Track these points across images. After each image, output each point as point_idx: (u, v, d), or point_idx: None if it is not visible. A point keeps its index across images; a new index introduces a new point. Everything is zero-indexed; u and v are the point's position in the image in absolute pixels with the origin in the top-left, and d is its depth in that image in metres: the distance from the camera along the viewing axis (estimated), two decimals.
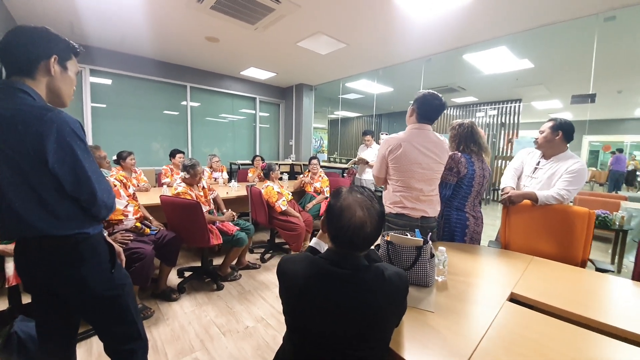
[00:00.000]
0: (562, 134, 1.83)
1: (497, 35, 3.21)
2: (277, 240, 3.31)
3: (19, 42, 0.85)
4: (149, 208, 2.50)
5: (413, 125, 1.65)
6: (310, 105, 6.08)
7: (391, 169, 1.65)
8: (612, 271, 1.47)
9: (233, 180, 3.76)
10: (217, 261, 2.88)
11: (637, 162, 8.80)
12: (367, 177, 3.98)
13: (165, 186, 3.11)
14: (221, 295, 2.34)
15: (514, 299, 1.14)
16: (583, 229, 1.75)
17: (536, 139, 1.94)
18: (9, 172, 0.82)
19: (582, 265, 1.68)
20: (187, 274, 2.56)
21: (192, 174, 2.38)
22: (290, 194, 3.15)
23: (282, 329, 1.90)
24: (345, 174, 4.86)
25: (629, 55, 3.52)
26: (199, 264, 2.74)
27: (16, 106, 0.81)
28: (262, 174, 4.39)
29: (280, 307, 2.13)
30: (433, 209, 1.68)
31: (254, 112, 6.02)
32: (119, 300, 0.98)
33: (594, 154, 11.24)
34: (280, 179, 3.71)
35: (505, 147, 7.11)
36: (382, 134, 2.05)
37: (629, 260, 3.18)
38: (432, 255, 1.20)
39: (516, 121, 6.96)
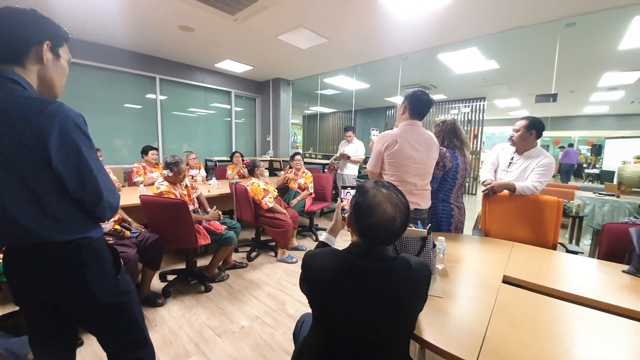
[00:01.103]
0: (535, 132, 2.02)
1: (470, 36, 3.42)
2: (262, 238, 3.26)
3: (7, 26, 0.75)
4: (125, 209, 2.34)
5: (406, 122, 1.72)
6: (288, 100, 6.02)
7: (386, 164, 1.71)
8: (582, 252, 1.66)
9: (213, 178, 3.62)
10: (201, 262, 2.79)
11: (583, 157, 9.87)
12: (349, 172, 4.05)
13: (141, 186, 2.92)
14: (210, 296, 2.27)
15: (506, 280, 1.25)
16: (553, 215, 1.96)
17: (511, 136, 2.12)
18: (2, 173, 0.73)
19: (553, 247, 1.88)
20: (170, 277, 2.45)
21: (175, 171, 2.26)
22: (276, 190, 3.12)
23: (279, 326, 1.91)
24: (325, 170, 4.90)
25: (585, 58, 3.93)
26: (182, 267, 2.66)
27: (8, 98, 0.72)
28: (242, 171, 4.29)
29: (274, 305, 2.15)
30: (425, 202, 1.77)
31: (229, 106, 5.83)
32: (125, 306, 0.93)
33: (544, 148, 12.47)
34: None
35: (472, 142, 7.61)
36: (372, 129, 2.10)
37: (584, 244, 3.60)
38: (434, 245, 1.28)
39: (481, 118, 7.47)
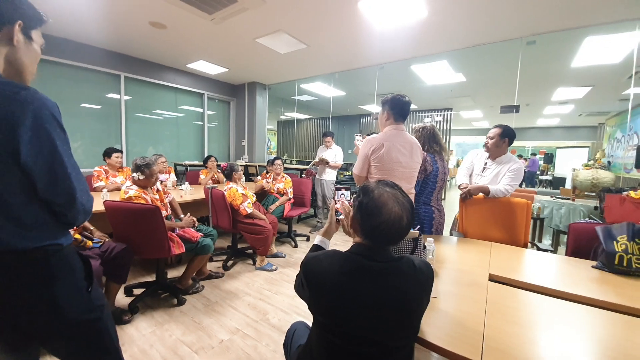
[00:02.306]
0: (508, 140, 2.16)
1: (441, 49, 3.63)
2: (240, 246, 3.14)
3: None
4: None
5: (391, 127, 1.75)
6: (264, 104, 5.95)
7: (373, 167, 1.72)
8: (552, 250, 1.79)
9: (186, 183, 3.43)
10: (172, 273, 2.62)
11: (545, 165, 10.82)
12: (327, 177, 4.05)
13: (104, 191, 2.67)
14: (184, 310, 2.11)
15: (492, 278, 1.30)
16: (523, 216, 2.10)
17: (486, 143, 2.25)
18: None
19: (524, 246, 2.01)
20: (138, 291, 2.25)
21: (147, 174, 2.10)
22: (255, 195, 3.02)
23: (262, 337, 1.82)
24: (303, 175, 4.86)
25: (542, 73, 4.33)
26: (151, 279, 2.47)
27: None
28: (216, 176, 4.12)
29: (255, 316, 2.06)
30: None
31: (201, 109, 5.63)
32: (98, 324, 0.82)
33: None
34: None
35: None
36: (357, 135, 2.12)
37: (544, 243, 3.91)
38: (424, 247, 1.30)
39: (448, 127, 7.93)
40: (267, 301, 2.26)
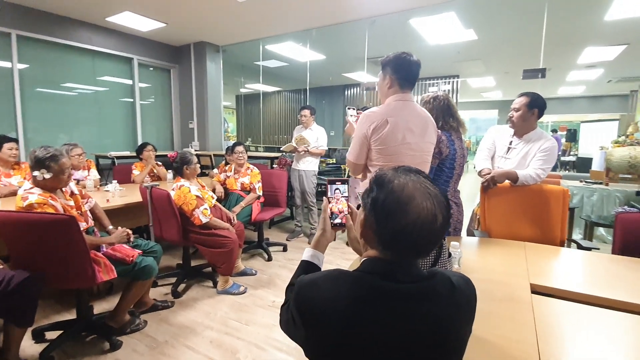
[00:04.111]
0: (537, 112, 2.17)
1: None
2: (194, 263, 3.02)
3: None
4: None
5: (395, 97, 1.68)
6: (218, 72, 5.79)
7: (374, 152, 1.66)
8: (597, 249, 1.83)
9: (114, 182, 3.21)
10: (101, 307, 2.48)
11: (568, 144, 11.39)
12: (307, 166, 3.97)
13: None
14: (121, 356, 1.99)
15: (535, 290, 1.29)
16: (559, 207, 2.14)
17: (510, 116, 2.25)
18: None
19: (561, 244, 2.05)
20: (52, 334, 2.10)
21: (55, 170, 1.91)
22: (215, 196, 2.89)
23: None
24: (275, 165, 4.76)
25: (570, 29, 4.47)
26: (71, 316, 2.33)
27: None
28: (156, 170, 3.92)
29: (221, 356, 1.96)
30: None
31: (130, 80, 5.40)
32: None
33: None
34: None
35: None
36: (349, 108, 2.04)
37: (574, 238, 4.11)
38: (450, 254, 1.26)
39: (455, 99, 8.10)
40: (235, 335, 2.19)
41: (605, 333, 1.01)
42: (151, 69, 5.67)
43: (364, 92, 8.45)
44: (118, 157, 4.57)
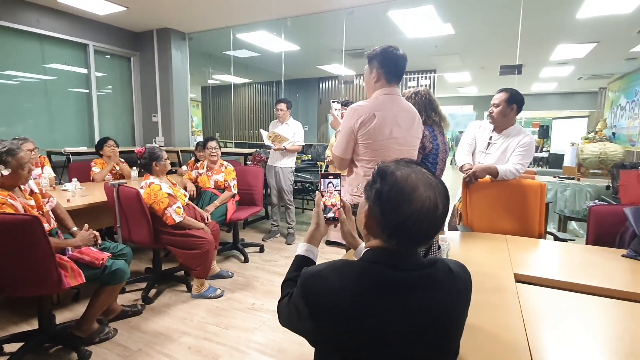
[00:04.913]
0: (516, 107, 2.33)
1: None
2: (165, 267, 2.98)
3: None
4: None
5: (382, 91, 1.76)
6: (184, 61, 5.68)
7: (361, 146, 1.73)
8: (573, 240, 2.01)
9: (75, 180, 3.09)
10: (62, 316, 2.42)
11: (541, 140, 12.03)
12: (284, 163, 4.00)
13: None
14: None
15: (519, 280, 1.42)
16: (537, 201, 2.32)
17: (490, 112, 2.40)
18: None
19: (540, 237, 2.23)
20: (10, 346, 2.04)
21: (13, 166, 1.84)
22: (187, 195, 2.86)
23: None
24: (248, 162, 4.75)
25: (544, 26, 4.74)
26: (29, 327, 2.27)
27: None
28: (118, 167, 3.81)
29: None
30: None
31: (85, 70, 5.19)
32: None
33: None
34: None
35: None
36: (333, 102, 2.10)
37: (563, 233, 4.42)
38: (439, 247, 1.35)
39: (433, 93, 8.41)
40: (215, 340, 2.20)
41: (583, 316, 1.14)
42: (108, 56, 5.46)
43: (342, 85, 8.55)
44: (74, 154, 4.38)
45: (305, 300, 0.77)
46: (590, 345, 0.98)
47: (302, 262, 1.04)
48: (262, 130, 3.95)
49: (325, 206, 1.11)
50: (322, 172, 5.71)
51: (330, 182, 1.16)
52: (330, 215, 1.11)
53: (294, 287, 0.91)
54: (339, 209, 1.12)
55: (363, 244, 1.15)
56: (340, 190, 1.14)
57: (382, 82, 1.77)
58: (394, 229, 0.76)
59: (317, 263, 0.96)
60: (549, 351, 0.94)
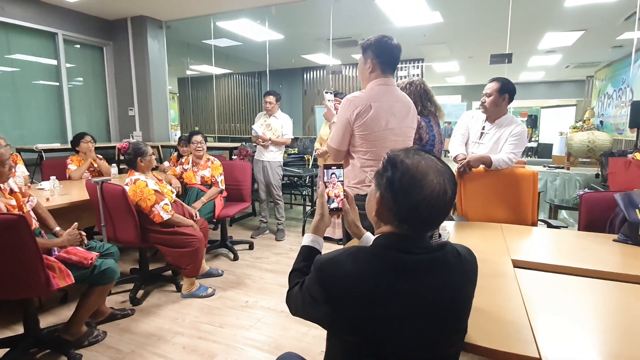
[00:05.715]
0: (508, 97, 2.44)
1: None
2: (153, 267, 2.99)
3: None
4: None
5: (377, 81, 1.83)
6: (162, 51, 5.63)
7: (357, 137, 1.79)
8: (566, 226, 2.14)
9: (53, 177, 3.05)
10: (47, 320, 2.41)
11: (530, 130, 12.39)
12: (272, 157, 4.03)
13: None
14: None
15: (517, 265, 1.51)
16: (529, 190, 2.44)
17: (483, 102, 2.51)
18: None
19: (533, 224, 2.35)
20: None
21: None
22: (174, 191, 2.87)
23: None
24: (234, 156, 4.76)
25: (532, 14, 4.89)
26: (12, 332, 2.27)
27: None
28: (96, 164, 3.77)
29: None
30: None
31: (54, 60, 5.10)
32: None
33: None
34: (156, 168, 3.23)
35: None
36: (326, 92, 2.16)
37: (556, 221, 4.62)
38: (440, 235, 1.43)
39: None
40: (210, 339, 2.23)
41: (579, 296, 1.25)
42: (79, 46, 5.37)
43: (330, 75, 8.59)
44: (46, 151, 4.29)
45: (322, 286, 0.82)
46: (586, 323, 1.08)
47: (309, 252, 1.09)
48: (253, 126, 3.97)
49: (328, 197, 1.17)
50: (311, 165, 5.78)
51: (333, 173, 1.21)
52: (334, 205, 1.16)
53: (302, 277, 0.97)
54: (342, 199, 1.17)
55: (368, 233, 1.22)
56: (343, 181, 1.19)
57: (377, 72, 1.83)
58: (405, 214, 0.82)
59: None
60: (549, 329, 1.03)
